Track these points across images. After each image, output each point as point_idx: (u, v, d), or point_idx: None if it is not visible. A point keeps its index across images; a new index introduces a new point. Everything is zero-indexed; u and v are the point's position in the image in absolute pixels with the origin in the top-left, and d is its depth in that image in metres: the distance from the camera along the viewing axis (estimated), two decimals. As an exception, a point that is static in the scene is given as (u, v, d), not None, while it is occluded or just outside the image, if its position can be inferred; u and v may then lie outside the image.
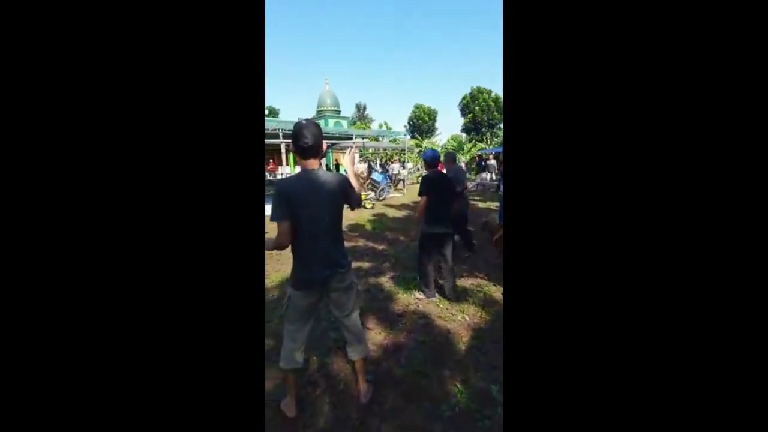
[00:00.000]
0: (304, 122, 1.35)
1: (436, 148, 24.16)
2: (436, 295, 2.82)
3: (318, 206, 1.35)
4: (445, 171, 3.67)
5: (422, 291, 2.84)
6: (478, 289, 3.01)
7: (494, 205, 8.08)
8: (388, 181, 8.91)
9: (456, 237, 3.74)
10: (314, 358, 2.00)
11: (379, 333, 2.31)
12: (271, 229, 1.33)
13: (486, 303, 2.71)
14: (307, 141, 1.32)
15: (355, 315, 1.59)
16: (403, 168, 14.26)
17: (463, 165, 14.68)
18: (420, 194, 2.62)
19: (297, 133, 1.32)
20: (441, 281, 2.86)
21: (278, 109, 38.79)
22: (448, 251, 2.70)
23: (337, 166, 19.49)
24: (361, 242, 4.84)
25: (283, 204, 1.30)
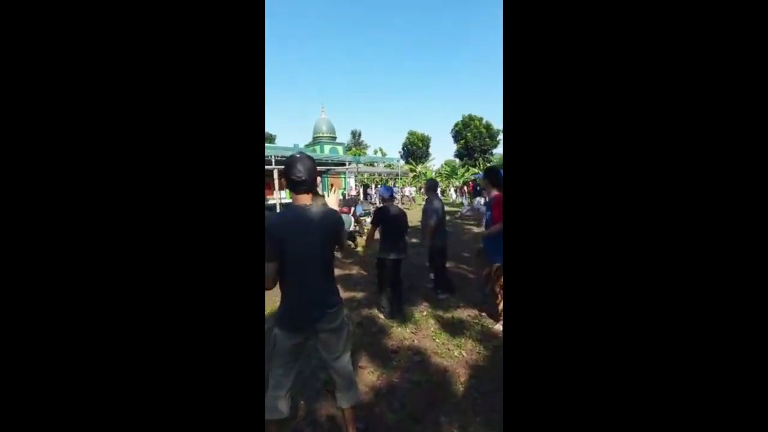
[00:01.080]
0: (298, 155, 1.31)
1: (430, 173, 24.58)
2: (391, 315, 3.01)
3: (309, 245, 1.28)
4: (427, 197, 3.70)
5: (380, 310, 3.09)
6: (475, 321, 2.90)
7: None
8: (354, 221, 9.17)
9: (431, 275, 3.76)
10: (301, 402, 1.86)
11: (372, 372, 2.18)
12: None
13: (484, 337, 2.60)
14: (301, 175, 1.26)
15: (346, 358, 1.48)
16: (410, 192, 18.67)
17: (453, 190, 14.90)
18: (371, 223, 3.09)
19: (290, 166, 1.27)
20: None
21: (275, 136, 39.50)
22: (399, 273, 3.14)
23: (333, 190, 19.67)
24: (354, 270, 4.74)
25: (270, 242, 1.22)
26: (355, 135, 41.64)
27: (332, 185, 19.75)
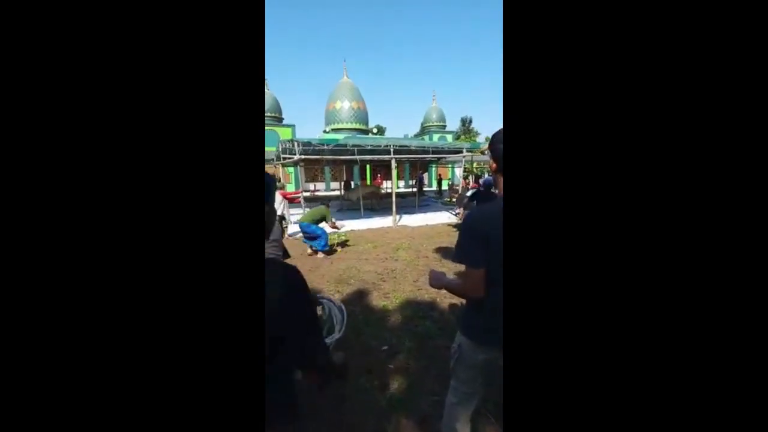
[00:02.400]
0: None
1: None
2: None
3: None
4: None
5: None
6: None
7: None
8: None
9: None
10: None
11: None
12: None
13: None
14: None
15: None
16: None
17: None
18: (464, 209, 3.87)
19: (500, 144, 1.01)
20: None
21: (385, 128, 41.55)
22: None
23: (440, 181, 19.42)
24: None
25: (481, 244, 1.01)
26: (465, 122, 39.94)
27: (439, 176, 19.45)
